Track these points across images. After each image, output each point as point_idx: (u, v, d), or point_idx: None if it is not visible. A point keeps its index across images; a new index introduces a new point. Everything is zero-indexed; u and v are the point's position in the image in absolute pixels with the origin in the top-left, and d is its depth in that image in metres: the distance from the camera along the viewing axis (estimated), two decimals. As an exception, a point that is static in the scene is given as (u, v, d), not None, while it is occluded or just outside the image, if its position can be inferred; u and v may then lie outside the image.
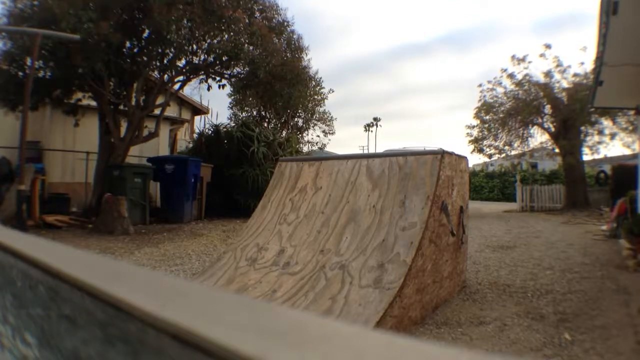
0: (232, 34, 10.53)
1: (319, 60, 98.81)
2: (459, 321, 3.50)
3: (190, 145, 14.43)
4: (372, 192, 4.04)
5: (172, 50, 10.04)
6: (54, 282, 0.46)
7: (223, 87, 12.14)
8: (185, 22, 9.72)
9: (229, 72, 11.95)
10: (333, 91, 20.33)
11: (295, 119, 18.95)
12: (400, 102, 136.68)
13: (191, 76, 11.53)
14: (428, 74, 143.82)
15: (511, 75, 15.91)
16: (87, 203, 11.00)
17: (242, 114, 18.22)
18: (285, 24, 12.36)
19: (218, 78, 11.88)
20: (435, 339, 3.10)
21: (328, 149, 20.65)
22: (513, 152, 17.44)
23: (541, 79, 15.44)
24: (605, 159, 20.13)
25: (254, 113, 17.74)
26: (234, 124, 14.19)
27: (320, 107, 20.40)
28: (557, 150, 16.24)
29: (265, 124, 16.16)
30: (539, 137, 16.98)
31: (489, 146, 17.01)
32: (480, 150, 17.03)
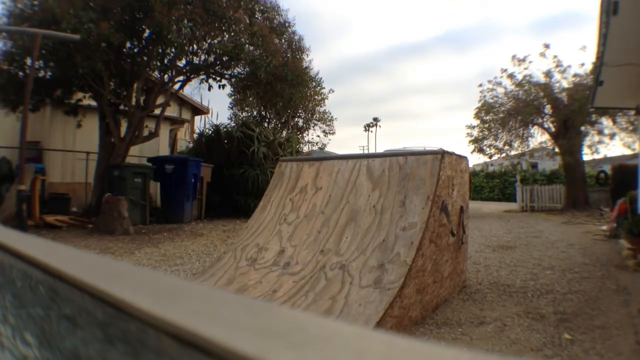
0: (232, 34, 10.54)
1: (318, 60, 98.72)
2: (459, 321, 3.50)
3: (191, 145, 14.43)
4: (372, 192, 4.03)
5: (173, 50, 10.04)
6: (54, 282, 0.46)
7: (223, 87, 12.16)
8: (186, 22, 9.73)
9: (229, 72, 11.95)
10: (333, 91, 20.41)
11: (296, 119, 18.98)
12: (400, 102, 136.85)
13: (191, 76, 11.53)
14: (428, 74, 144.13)
15: (511, 76, 15.91)
16: (87, 203, 11.00)
17: (242, 114, 18.25)
18: (287, 24, 12.37)
19: (218, 78, 11.89)
20: (435, 339, 3.10)
21: (328, 149, 20.67)
22: (513, 152, 17.44)
23: (541, 79, 15.44)
24: (605, 159, 20.10)
25: (254, 113, 17.76)
26: (234, 124, 14.20)
27: (321, 107, 20.44)
28: (557, 150, 16.23)
29: (266, 124, 16.16)
30: (539, 137, 16.99)
31: (489, 146, 17.01)
32: (481, 150, 17.04)
